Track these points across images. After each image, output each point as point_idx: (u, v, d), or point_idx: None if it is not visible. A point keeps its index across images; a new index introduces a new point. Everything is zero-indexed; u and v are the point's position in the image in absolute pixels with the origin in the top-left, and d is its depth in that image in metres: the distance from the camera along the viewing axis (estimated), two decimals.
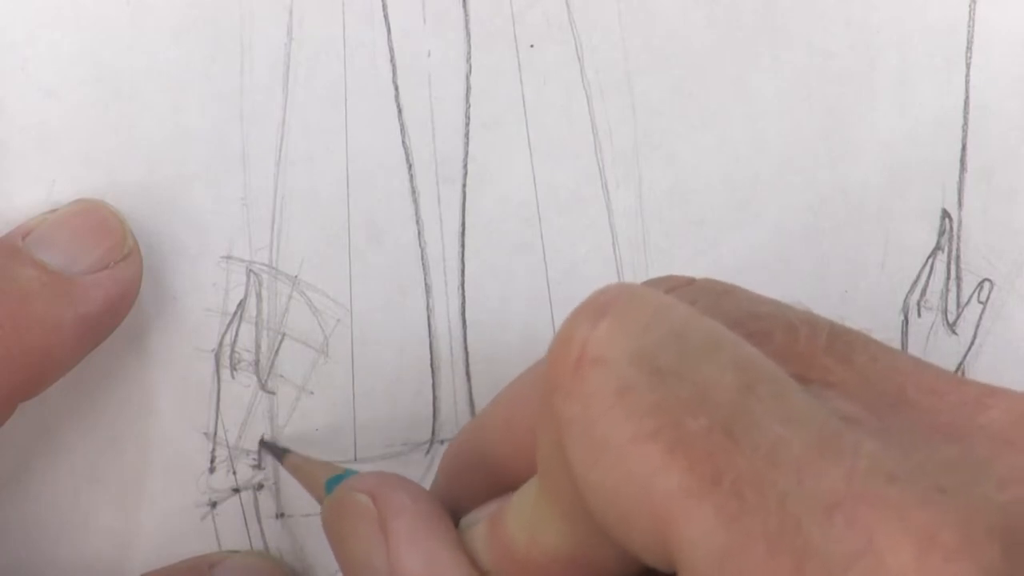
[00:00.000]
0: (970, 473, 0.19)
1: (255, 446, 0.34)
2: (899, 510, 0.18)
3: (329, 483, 0.29)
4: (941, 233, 0.36)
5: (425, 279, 0.34)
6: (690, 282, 0.24)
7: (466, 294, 0.35)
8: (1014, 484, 0.18)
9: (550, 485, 0.22)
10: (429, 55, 0.34)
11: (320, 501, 0.29)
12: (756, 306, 0.23)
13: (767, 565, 0.18)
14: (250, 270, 0.33)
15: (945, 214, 0.36)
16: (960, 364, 0.37)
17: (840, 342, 0.22)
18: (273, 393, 0.34)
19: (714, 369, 0.20)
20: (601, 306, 0.21)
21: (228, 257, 0.33)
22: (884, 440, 0.19)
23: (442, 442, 0.35)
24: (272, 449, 0.34)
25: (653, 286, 0.24)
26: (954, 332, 0.37)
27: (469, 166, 0.34)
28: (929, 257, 0.36)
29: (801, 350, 0.22)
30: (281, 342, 0.34)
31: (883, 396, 0.21)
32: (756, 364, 0.20)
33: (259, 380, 0.34)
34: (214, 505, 0.34)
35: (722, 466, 0.19)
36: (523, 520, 0.24)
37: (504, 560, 0.24)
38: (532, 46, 0.34)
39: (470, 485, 0.27)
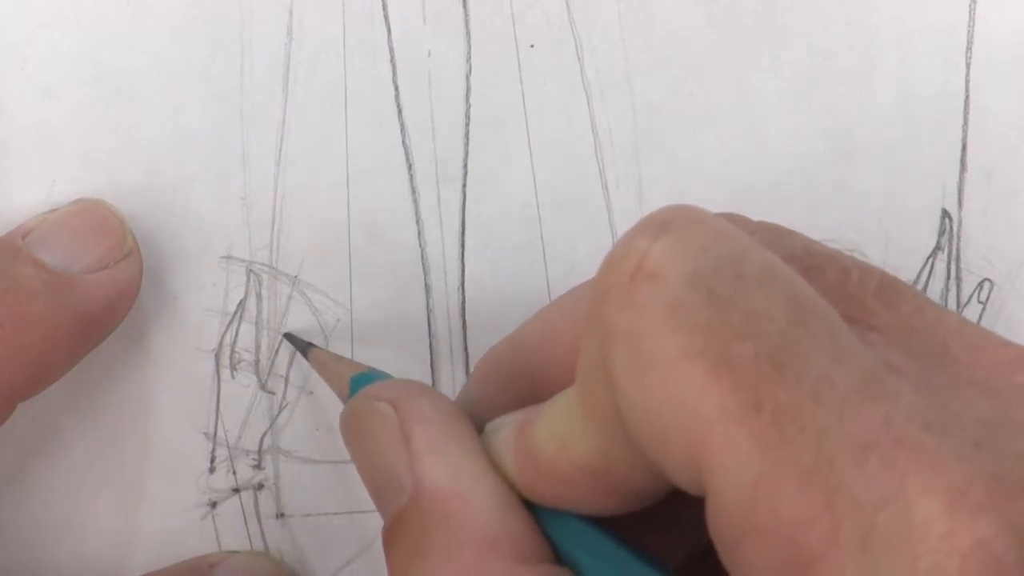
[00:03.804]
0: (1004, 431, 0.19)
1: (255, 446, 0.34)
2: (933, 460, 0.18)
3: (354, 380, 0.28)
4: (941, 233, 0.36)
5: (425, 279, 0.34)
6: (748, 221, 0.24)
7: (466, 294, 0.35)
8: None
9: (588, 395, 0.22)
10: (429, 55, 0.34)
11: (343, 398, 0.29)
12: (812, 245, 0.23)
13: (798, 498, 0.18)
14: (250, 270, 0.33)
15: (945, 214, 0.36)
16: None
17: (890, 289, 0.22)
18: (273, 393, 0.34)
19: (767, 299, 0.20)
20: (662, 223, 0.21)
21: (228, 257, 0.33)
22: (924, 390, 0.19)
23: None
24: (296, 342, 0.33)
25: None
26: None
27: (469, 166, 0.34)
28: (929, 257, 0.36)
29: (852, 291, 0.22)
30: (281, 342, 0.34)
31: (925, 346, 0.21)
32: (809, 299, 0.20)
33: (259, 380, 0.34)
34: (214, 505, 0.34)
35: (764, 395, 0.19)
36: (553, 429, 0.23)
37: (529, 468, 0.24)
38: (532, 46, 0.34)
39: (501, 393, 0.26)
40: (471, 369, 0.35)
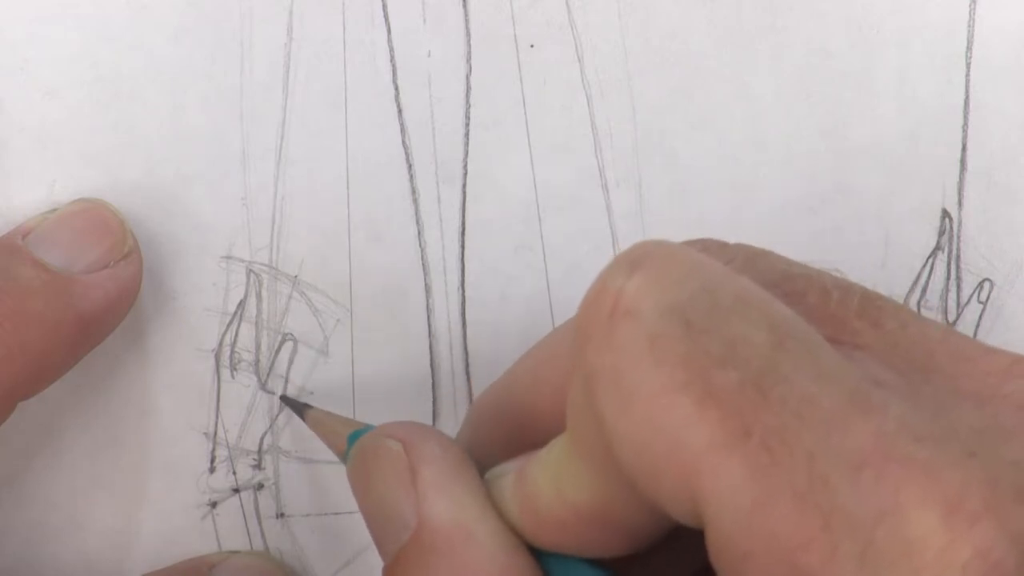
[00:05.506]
0: (997, 438, 0.19)
1: (255, 446, 0.34)
2: (927, 471, 0.18)
3: (351, 437, 0.28)
4: (941, 233, 0.36)
5: (425, 279, 0.34)
6: (724, 245, 0.24)
7: (466, 294, 0.35)
8: None
9: (579, 438, 0.22)
10: (429, 55, 0.34)
11: (340, 456, 0.29)
12: (791, 267, 0.23)
13: (794, 521, 0.18)
14: (250, 270, 0.33)
15: (945, 214, 0.36)
16: None
17: (872, 307, 0.22)
18: (273, 393, 0.34)
19: (745, 325, 0.20)
20: (635, 259, 0.21)
21: (228, 257, 0.33)
22: (912, 403, 0.19)
23: None
24: (292, 404, 0.33)
25: (689, 246, 0.24)
26: None
27: (469, 166, 0.34)
28: (929, 257, 0.36)
29: (833, 312, 0.22)
30: (281, 342, 0.34)
31: (912, 361, 0.21)
32: (788, 322, 0.20)
33: (259, 380, 0.34)
34: (214, 505, 0.34)
35: (751, 420, 0.19)
36: (550, 474, 0.23)
37: (529, 514, 0.24)
38: (532, 46, 0.34)
39: (496, 440, 0.27)
40: (471, 369, 0.35)
